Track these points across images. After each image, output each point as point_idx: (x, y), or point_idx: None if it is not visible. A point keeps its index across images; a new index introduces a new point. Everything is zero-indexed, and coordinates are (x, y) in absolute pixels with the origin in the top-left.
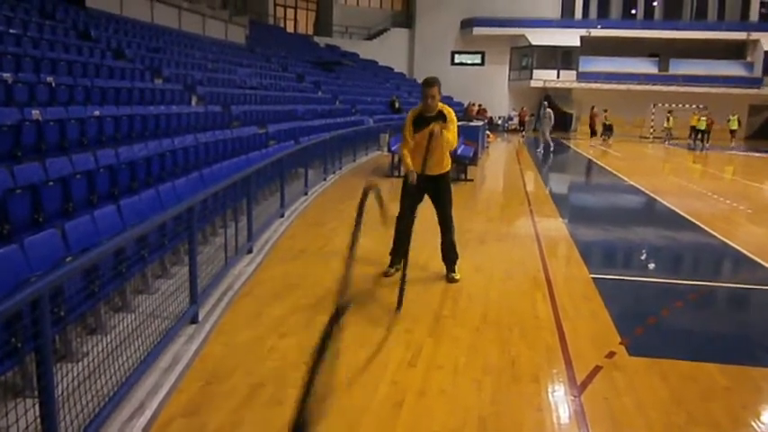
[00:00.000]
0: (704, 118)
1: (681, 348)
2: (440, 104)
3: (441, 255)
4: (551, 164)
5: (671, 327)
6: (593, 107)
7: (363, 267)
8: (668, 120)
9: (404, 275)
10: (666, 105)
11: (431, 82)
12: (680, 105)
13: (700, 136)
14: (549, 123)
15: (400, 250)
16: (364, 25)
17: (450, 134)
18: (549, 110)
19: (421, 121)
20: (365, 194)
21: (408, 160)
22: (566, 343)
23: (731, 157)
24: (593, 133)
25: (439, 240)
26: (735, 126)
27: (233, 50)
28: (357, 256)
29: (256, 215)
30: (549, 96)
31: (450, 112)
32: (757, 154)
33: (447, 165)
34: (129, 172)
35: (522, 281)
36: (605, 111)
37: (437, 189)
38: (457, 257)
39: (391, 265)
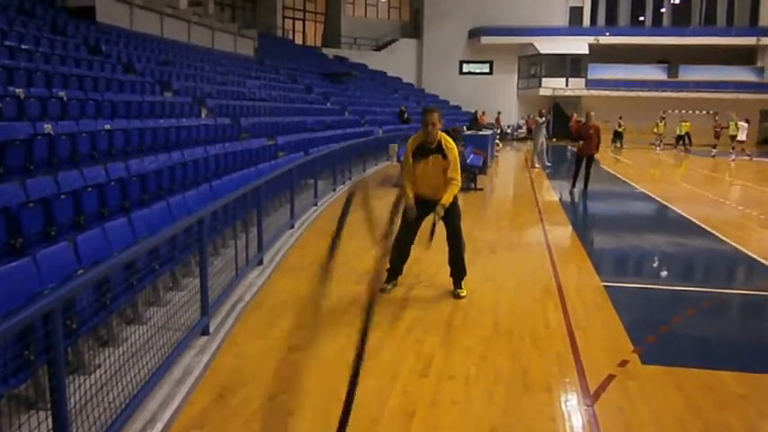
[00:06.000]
0: (662, 123)
1: (695, 356)
2: (440, 134)
3: (449, 270)
4: (559, 172)
5: (684, 334)
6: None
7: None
8: (619, 125)
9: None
10: (678, 112)
11: (431, 109)
12: (690, 111)
13: (655, 140)
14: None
15: (397, 267)
16: (372, 36)
17: (453, 172)
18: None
19: (420, 152)
20: (350, 197)
21: (409, 192)
22: (578, 352)
23: (741, 164)
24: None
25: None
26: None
27: (242, 63)
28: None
29: (266, 226)
30: (558, 104)
31: (448, 141)
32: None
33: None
34: (140, 185)
35: (534, 290)
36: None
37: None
38: (465, 274)
39: (387, 282)
